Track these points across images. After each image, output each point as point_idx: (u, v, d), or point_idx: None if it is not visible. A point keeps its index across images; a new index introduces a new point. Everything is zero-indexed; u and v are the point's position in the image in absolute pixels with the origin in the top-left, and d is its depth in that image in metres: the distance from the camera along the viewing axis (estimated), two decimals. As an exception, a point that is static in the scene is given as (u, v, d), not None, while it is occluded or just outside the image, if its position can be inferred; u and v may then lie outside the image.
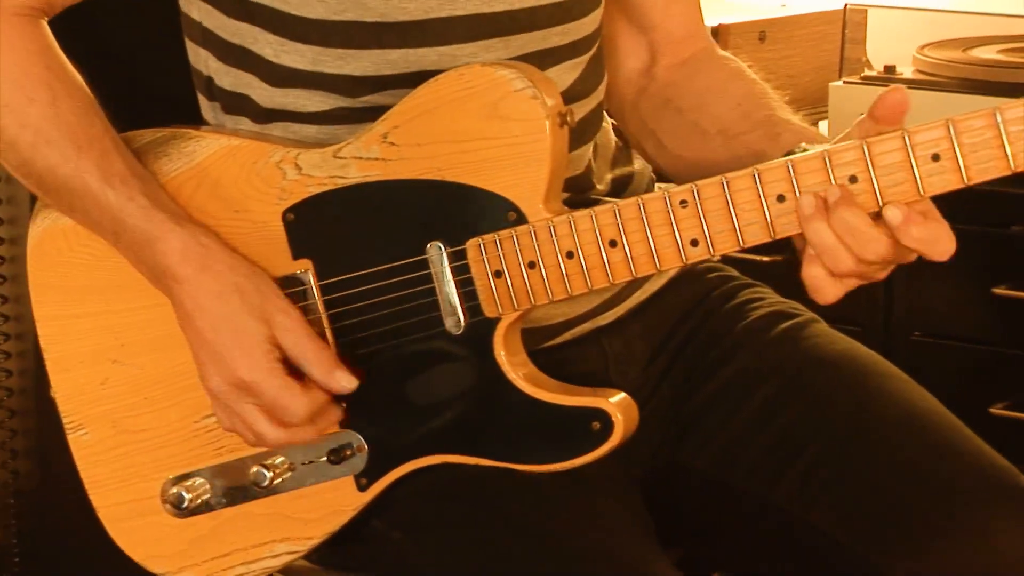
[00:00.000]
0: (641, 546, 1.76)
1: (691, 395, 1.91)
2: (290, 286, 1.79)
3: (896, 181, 1.61)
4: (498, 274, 1.73)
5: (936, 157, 1.60)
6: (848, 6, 2.62)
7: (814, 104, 2.49)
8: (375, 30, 1.76)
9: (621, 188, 1.95)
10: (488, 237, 1.73)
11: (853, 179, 1.62)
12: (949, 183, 1.60)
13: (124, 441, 1.87)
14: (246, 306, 1.75)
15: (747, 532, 1.90)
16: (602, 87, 1.93)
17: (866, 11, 2.59)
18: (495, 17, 1.80)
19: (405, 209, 1.76)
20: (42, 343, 1.90)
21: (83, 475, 1.89)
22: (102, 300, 1.86)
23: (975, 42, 2.52)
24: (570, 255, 1.71)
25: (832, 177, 1.62)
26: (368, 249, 1.78)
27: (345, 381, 1.75)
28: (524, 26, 1.81)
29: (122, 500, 1.88)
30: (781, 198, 1.64)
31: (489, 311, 1.75)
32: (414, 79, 1.76)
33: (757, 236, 1.67)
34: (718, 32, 2.61)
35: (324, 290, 1.79)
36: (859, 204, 1.60)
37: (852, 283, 1.65)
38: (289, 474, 1.81)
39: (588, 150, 1.90)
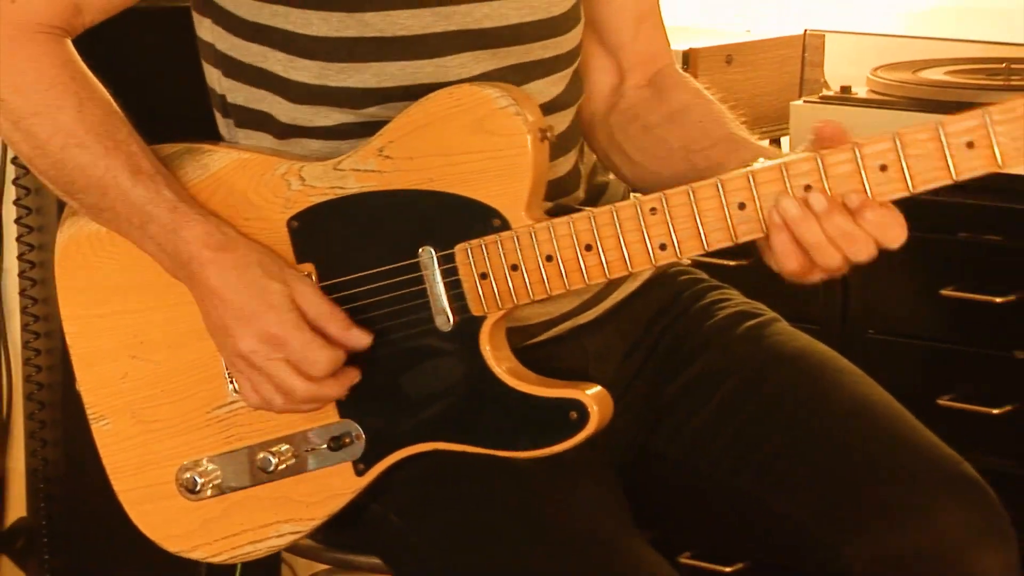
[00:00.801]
0: (619, 526, 1.77)
1: (663, 388, 1.93)
2: (294, 287, 1.81)
3: (849, 189, 1.64)
4: (484, 276, 1.76)
5: (884, 167, 1.63)
6: (807, 32, 2.62)
7: (777, 122, 2.50)
8: (375, 45, 1.79)
9: (597, 195, 1.98)
10: (475, 242, 1.75)
11: (808, 188, 1.65)
12: (896, 191, 1.63)
13: (142, 430, 1.89)
14: (267, 273, 1.77)
15: (713, 515, 1.92)
16: (582, 99, 1.96)
17: (824, 36, 2.58)
18: (483, 32, 1.82)
19: (399, 217, 1.78)
20: (68, 340, 1.91)
21: (105, 462, 1.91)
22: (123, 301, 1.88)
23: (924, 64, 2.52)
24: (549, 258, 1.74)
25: (789, 187, 1.65)
26: (365, 253, 1.80)
27: (360, 336, 1.77)
28: (509, 40, 1.83)
29: (140, 485, 1.90)
30: (742, 206, 1.68)
31: (476, 310, 1.77)
32: (413, 91, 1.79)
33: (720, 240, 1.70)
34: (688, 56, 2.61)
35: (326, 291, 1.80)
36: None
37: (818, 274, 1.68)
38: (293, 460, 1.83)
39: (572, 157, 1.92)
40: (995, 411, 2.37)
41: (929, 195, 1.64)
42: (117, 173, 1.79)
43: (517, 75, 1.83)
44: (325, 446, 1.83)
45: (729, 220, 1.69)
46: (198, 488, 1.87)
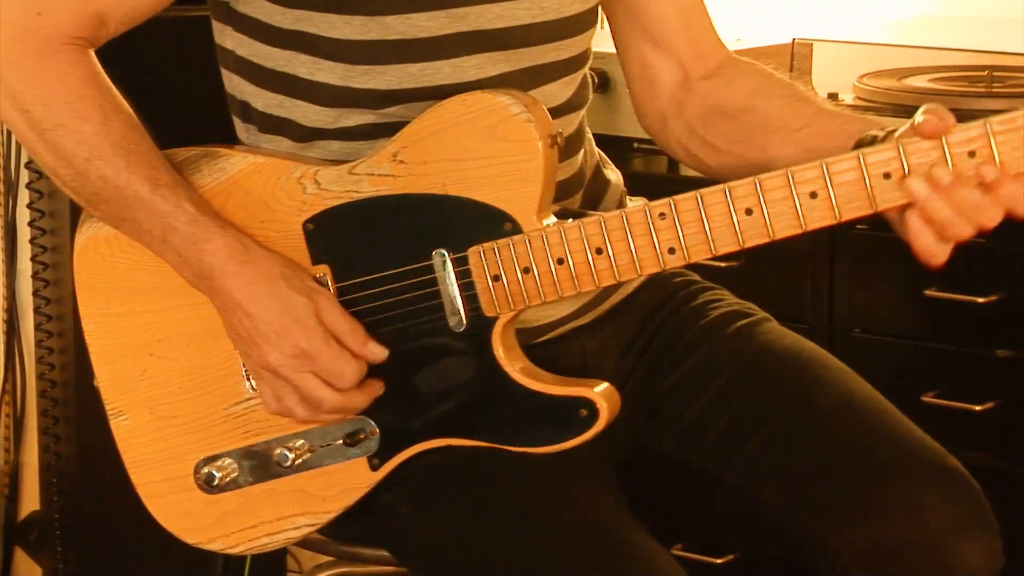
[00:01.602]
0: (622, 518, 1.77)
1: (657, 385, 1.92)
2: (310, 288, 1.80)
3: (850, 199, 1.65)
4: (496, 278, 1.75)
5: (888, 175, 1.65)
6: (796, 40, 2.61)
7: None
8: (397, 47, 1.77)
9: (599, 195, 1.97)
10: (487, 245, 1.74)
11: (814, 195, 1.66)
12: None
13: (160, 426, 1.87)
14: (292, 287, 1.75)
15: (704, 507, 1.92)
16: (588, 101, 1.94)
17: (812, 44, 2.58)
18: (496, 33, 1.80)
19: (413, 220, 1.77)
20: (87, 338, 1.90)
21: (123, 456, 1.89)
22: (141, 300, 1.86)
23: (908, 72, 2.51)
24: (560, 261, 1.73)
25: (795, 194, 1.66)
26: (380, 255, 1.79)
27: (377, 351, 1.76)
28: (522, 41, 1.81)
29: (158, 479, 1.88)
30: (749, 211, 1.68)
31: (488, 311, 1.76)
32: (432, 92, 1.78)
33: (728, 245, 1.70)
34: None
35: (340, 292, 1.80)
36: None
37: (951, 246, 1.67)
38: (309, 455, 1.82)
39: (578, 159, 1.91)
40: (977, 408, 2.37)
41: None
42: (138, 186, 1.77)
43: (530, 77, 1.82)
44: (340, 442, 1.82)
45: (737, 226, 1.68)
46: (216, 482, 1.85)
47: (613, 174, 2.01)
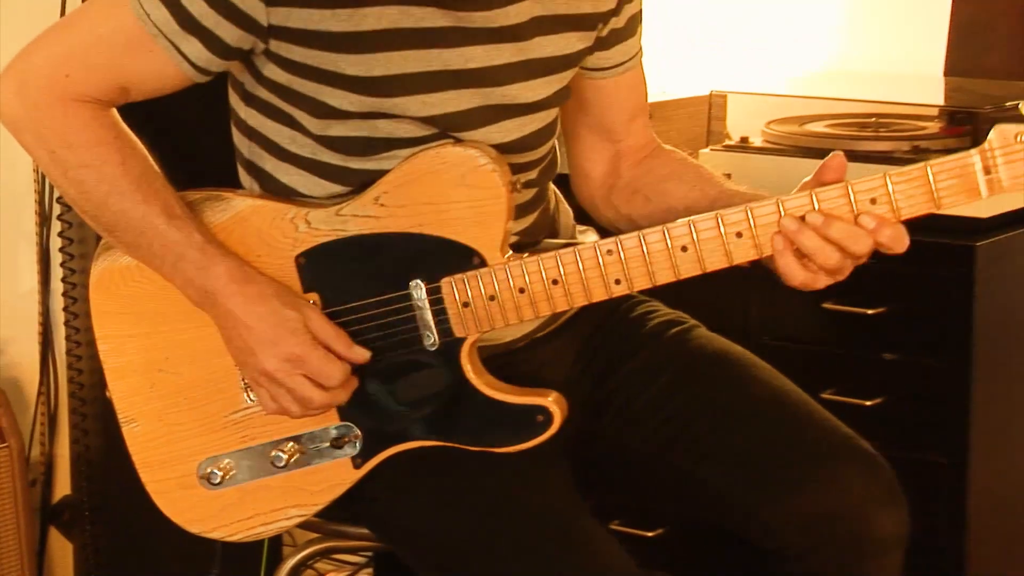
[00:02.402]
0: (571, 504, 1.72)
1: (604, 383, 1.87)
2: (302, 313, 1.77)
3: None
4: (465, 304, 1.71)
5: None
6: (712, 92, 2.60)
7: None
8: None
9: (555, 229, 1.91)
10: (458, 276, 1.70)
11: (739, 235, 1.64)
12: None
13: (167, 431, 1.80)
14: (284, 303, 1.70)
15: (645, 485, 1.88)
16: (552, 143, 1.88)
17: (726, 95, 2.56)
18: (470, 72, 1.73)
19: (392, 255, 1.72)
20: (101, 356, 1.83)
21: (134, 458, 1.83)
22: (150, 324, 1.79)
23: (809, 119, 2.48)
24: (522, 290, 1.69)
25: (722, 232, 1.65)
26: (363, 285, 1.73)
27: (361, 352, 1.71)
28: (490, 81, 1.74)
29: (166, 477, 1.81)
30: (684, 248, 1.67)
31: (458, 333, 1.72)
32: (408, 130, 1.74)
33: (666, 277, 1.68)
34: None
35: (329, 316, 1.74)
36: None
37: (823, 277, 1.66)
38: (299, 455, 1.76)
39: (547, 193, 1.90)
40: (867, 403, 2.33)
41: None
42: (154, 218, 1.71)
43: (498, 112, 1.76)
44: (328, 444, 1.77)
45: (673, 260, 1.67)
46: (217, 480, 1.80)
47: (566, 208, 1.96)
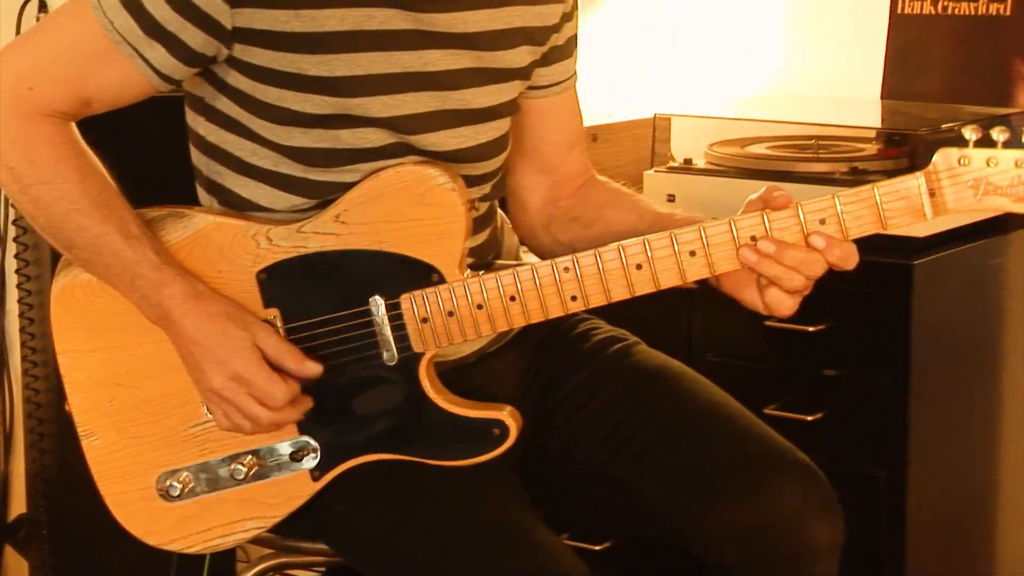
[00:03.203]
0: (523, 515, 1.72)
1: (549, 398, 1.87)
2: (262, 329, 1.76)
3: (723, 256, 1.62)
4: (424, 320, 1.71)
5: (755, 238, 1.64)
6: (656, 115, 2.59)
7: (633, 187, 2.42)
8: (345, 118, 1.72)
9: (502, 251, 1.92)
10: (417, 293, 1.70)
11: (693, 253, 1.66)
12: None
13: (126, 445, 1.79)
14: (233, 322, 1.69)
15: (592, 497, 1.87)
16: (503, 158, 1.88)
17: (670, 118, 2.56)
18: (429, 75, 1.73)
19: (352, 271, 1.72)
20: (61, 371, 1.82)
21: (93, 471, 1.81)
22: (110, 338, 1.78)
23: (750, 141, 2.49)
24: (480, 307, 1.70)
25: (676, 251, 1.65)
26: (323, 301, 1.73)
27: (313, 368, 1.70)
28: (447, 85, 1.75)
29: (125, 490, 1.79)
30: (639, 266, 1.67)
31: (417, 348, 1.72)
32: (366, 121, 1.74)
33: (621, 294, 1.68)
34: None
35: (289, 331, 1.74)
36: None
37: (798, 298, 1.69)
38: (258, 469, 1.76)
39: (495, 222, 1.89)
40: (809, 418, 2.32)
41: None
42: (111, 237, 1.70)
43: (457, 116, 1.77)
44: (286, 457, 1.76)
45: (628, 278, 1.68)
46: (176, 493, 1.78)
47: (510, 229, 1.98)
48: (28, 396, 2.62)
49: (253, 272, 1.73)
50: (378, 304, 1.70)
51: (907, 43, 2.62)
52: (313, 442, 1.74)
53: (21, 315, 2.62)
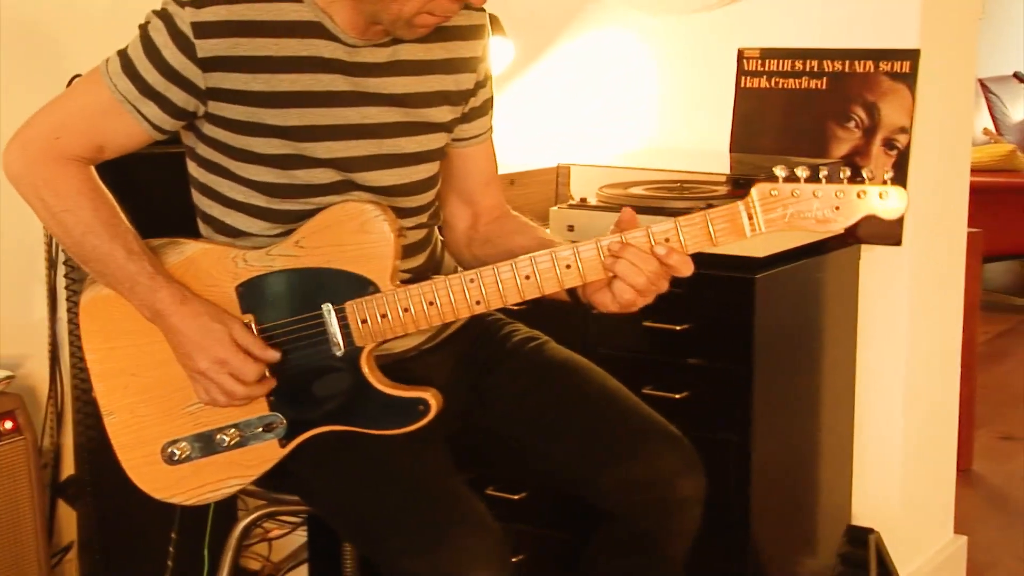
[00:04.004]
0: (444, 473, 1.71)
1: (479, 384, 1.85)
2: (241, 330, 1.73)
3: (591, 268, 1.61)
4: (363, 321, 1.69)
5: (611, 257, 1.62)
6: (559, 165, 2.60)
7: (542, 220, 2.43)
8: (304, 159, 1.71)
9: (441, 269, 1.91)
10: (358, 300, 1.69)
11: (568, 266, 1.66)
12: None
13: (137, 421, 1.77)
14: (212, 318, 1.68)
15: (511, 460, 1.87)
16: (434, 193, 1.87)
17: (570, 167, 2.56)
18: (367, 127, 1.73)
19: (309, 284, 1.71)
20: (88, 364, 1.80)
21: (112, 442, 1.79)
22: (124, 338, 1.76)
23: (632, 184, 2.48)
24: (406, 310, 1.69)
25: (556, 265, 1.66)
26: (287, 307, 1.72)
27: (272, 353, 1.69)
28: (382, 135, 1.74)
29: (136, 456, 1.78)
30: (528, 277, 1.67)
31: (359, 343, 1.70)
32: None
33: (514, 299, 1.68)
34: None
35: (262, 331, 1.72)
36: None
37: (641, 300, 1.66)
38: (238, 438, 1.75)
39: (434, 238, 1.88)
40: (677, 396, 2.32)
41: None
42: (117, 253, 1.69)
43: (392, 161, 1.76)
44: (260, 429, 1.75)
45: (519, 285, 1.67)
46: (176, 458, 1.77)
47: (448, 254, 1.96)
48: (75, 384, 2.58)
49: (233, 286, 1.72)
50: (329, 309, 1.69)
51: (749, 110, 2.62)
52: (280, 417, 1.73)
53: (70, 321, 2.60)
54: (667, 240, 1.62)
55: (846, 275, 2.53)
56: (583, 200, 2.44)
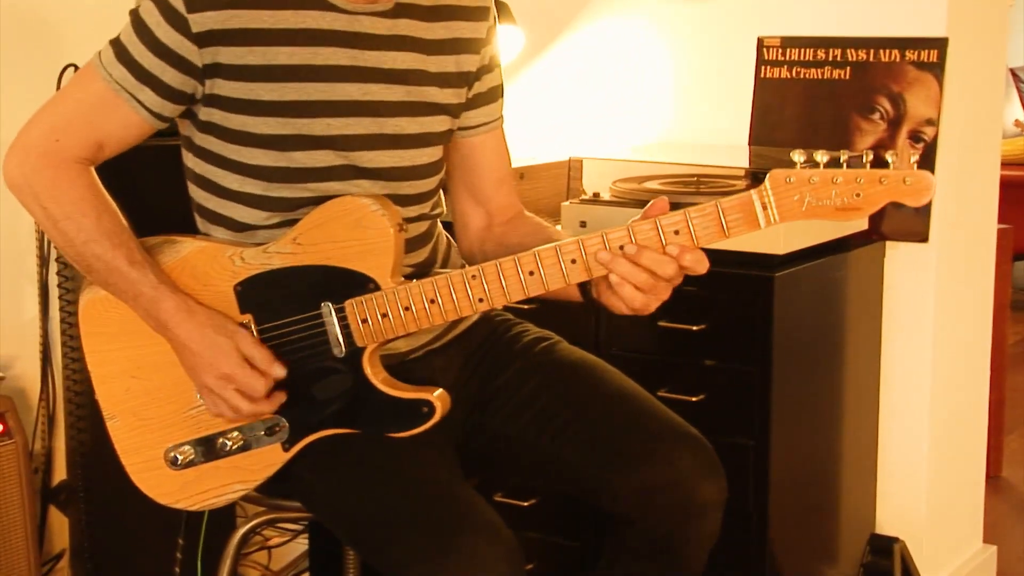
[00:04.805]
0: (452, 477, 1.73)
1: (487, 387, 1.87)
2: (239, 330, 1.75)
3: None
4: (364, 321, 1.71)
5: (622, 247, 1.63)
6: (571, 158, 2.59)
7: (553, 215, 2.45)
8: (305, 139, 1.74)
9: (447, 258, 1.92)
10: (358, 299, 1.71)
11: (574, 261, 1.64)
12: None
13: (140, 424, 1.81)
14: (218, 332, 1.71)
15: (521, 465, 1.87)
16: (438, 179, 1.89)
17: (582, 160, 2.55)
18: (367, 104, 1.75)
19: (308, 283, 1.73)
20: (88, 367, 1.84)
21: (116, 446, 1.83)
22: (125, 341, 1.80)
23: (646, 178, 2.49)
24: (407, 309, 1.70)
25: (560, 259, 1.65)
26: (286, 307, 1.74)
27: (280, 370, 1.72)
28: (384, 113, 1.77)
29: (139, 460, 1.82)
30: (532, 272, 1.66)
31: (360, 343, 1.72)
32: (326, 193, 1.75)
33: (518, 296, 1.68)
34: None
35: (261, 332, 1.75)
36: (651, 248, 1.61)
37: (652, 300, 1.65)
38: (241, 442, 1.77)
39: (437, 231, 1.88)
40: (693, 398, 2.33)
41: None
42: (119, 263, 1.72)
43: (394, 139, 1.78)
44: (263, 433, 1.77)
45: (523, 282, 1.67)
46: (179, 462, 1.80)
47: (456, 250, 1.98)
48: (68, 386, 2.62)
49: (231, 285, 1.74)
50: (329, 308, 1.71)
51: (768, 102, 2.63)
52: (283, 420, 1.75)
53: (62, 320, 2.62)
54: (676, 232, 1.60)
55: (870, 273, 2.55)
56: (596, 195, 2.45)
